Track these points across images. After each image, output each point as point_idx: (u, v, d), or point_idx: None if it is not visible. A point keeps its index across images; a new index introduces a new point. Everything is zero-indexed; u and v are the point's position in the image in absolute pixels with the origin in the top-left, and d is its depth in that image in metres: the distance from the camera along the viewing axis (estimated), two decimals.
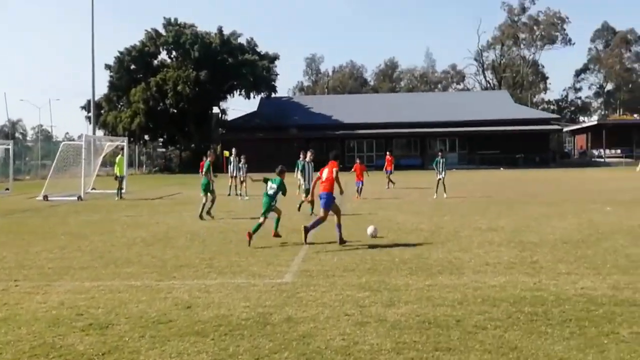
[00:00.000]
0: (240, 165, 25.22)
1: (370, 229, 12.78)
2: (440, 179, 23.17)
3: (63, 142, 30.23)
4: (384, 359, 5.51)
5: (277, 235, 12.78)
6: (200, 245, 12.24)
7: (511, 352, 5.59)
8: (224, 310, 7.27)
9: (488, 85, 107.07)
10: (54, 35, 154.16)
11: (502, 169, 53.35)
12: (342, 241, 11.86)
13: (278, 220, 12.92)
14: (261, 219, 12.50)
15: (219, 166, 54.23)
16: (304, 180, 18.73)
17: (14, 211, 20.81)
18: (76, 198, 25.06)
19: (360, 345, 5.85)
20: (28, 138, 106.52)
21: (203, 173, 18.06)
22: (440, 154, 24.42)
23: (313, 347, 5.86)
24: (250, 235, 11.94)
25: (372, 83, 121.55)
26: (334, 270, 9.45)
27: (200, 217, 16.86)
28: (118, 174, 26.22)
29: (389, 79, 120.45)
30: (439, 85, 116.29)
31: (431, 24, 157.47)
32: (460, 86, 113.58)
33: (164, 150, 76.34)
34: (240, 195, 24.80)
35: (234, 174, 26.15)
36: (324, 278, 8.91)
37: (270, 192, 12.63)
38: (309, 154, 18.64)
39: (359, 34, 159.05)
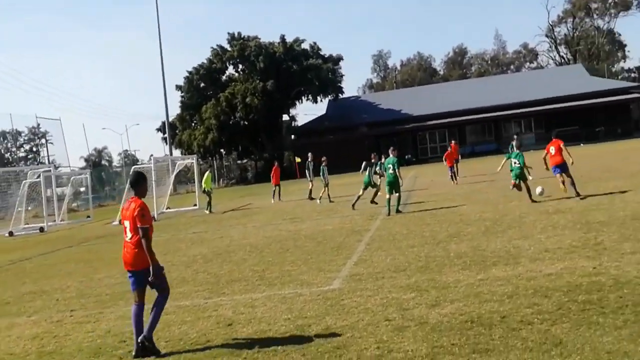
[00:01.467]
0: (322, 167, 24.56)
1: (538, 189, 15.56)
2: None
3: (133, 167, 31.11)
4: None
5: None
6: (257, 257, 12.18)
7: (554, 348, 5.16)
8: (264, 325, 7.12)
9: (562, 60, 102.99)
10: (127, 64, 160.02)
11: (582, 144, 51.03)
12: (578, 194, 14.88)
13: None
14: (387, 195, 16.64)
15: (292, 173, 54.55)
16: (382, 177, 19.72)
17: (89, 238, 21.53)
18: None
19: (395, 353, 5.55)
20: (114, 164, 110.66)
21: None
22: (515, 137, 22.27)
23: (345, 359, 5.61)
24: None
25: (441, 72, 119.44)
26: (384, 272, 9.14)
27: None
28: (206, 189, 27.32)
29: (459, 66, 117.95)
30: (512, 67, 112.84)
31: (498, 4, 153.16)
32: (534, 65, 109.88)
33: (239, 162, 77.57)
34: (317, 198, 24.37)
35: (312, 178, 26.43)
36: (373, 281, 8.63)
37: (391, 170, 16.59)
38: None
39: (424, 25, 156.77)
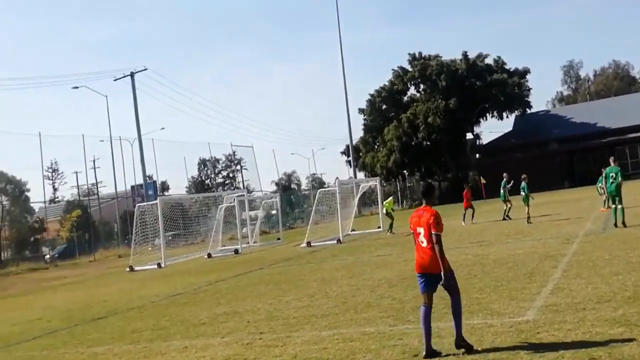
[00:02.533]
0: (522, 186, 23.71)
1: None
2: None
3: (319, 190, 31.99)
4: None
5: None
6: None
7: None
8: (453, 357, 6.71)
9: None
10: (312, 91, 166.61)
11: None
12: None
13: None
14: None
15: (478, 193, 53.07)
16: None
17: (278, 260, 22.29)
18: (335, 241, 26.15)
19: None
20: (303, 187, 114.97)
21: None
22: None
23: None
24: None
25: None
26: (585, 303, 8.30)
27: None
28: (387, 210, 28.65)
29: None
30: None
31: None
32: None
33: (422, 183, 77.04)
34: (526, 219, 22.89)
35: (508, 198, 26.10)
36: (572, 313, 7.85)
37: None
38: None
39: (619, 29, 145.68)
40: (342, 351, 7.67)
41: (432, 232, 6.78)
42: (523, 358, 6.29)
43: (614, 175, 17.19)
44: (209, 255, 29.36)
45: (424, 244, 6.92)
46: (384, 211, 29.28)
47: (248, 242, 33.26)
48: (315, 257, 21.75)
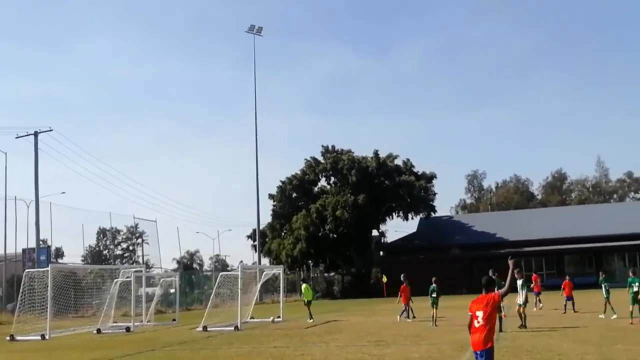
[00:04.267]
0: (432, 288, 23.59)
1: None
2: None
3: (220, 273, 31.36)
4: None
5: None
6: None
7: None
8: None
9: None
10: (223, 171, 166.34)
11: None
12: None
13: None
14: None
15: (379, 291, 53.46)
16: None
17: (172, 343, 21.35)
18: (233, 328, 25.44)
19: None
20: (205, 267, 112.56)
21: None
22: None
23: None
24: None
25: (539, 197, 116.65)
26: None
27: None
28: (305, 300, 29.14)
29: (558, 191, 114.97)
30: (615, 196, 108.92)
31: (600, 130, 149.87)
32: (639, 195, 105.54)
33: (325, 275, 77.16)
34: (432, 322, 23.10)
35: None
36: None
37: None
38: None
39: (522, 147, 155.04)
40: None
41: (496, 299, 8.24)
42: None
43: (637, 285, 20.24)
44: (99, 331, 27.82)
45: (480, 324, 8.13)
46: (303, 300, 29.50)
47: (142, 321, 31.81)
48: (211, 342, 20.99)
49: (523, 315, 20.57)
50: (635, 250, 58.54)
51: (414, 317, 26.14)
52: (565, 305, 27.00)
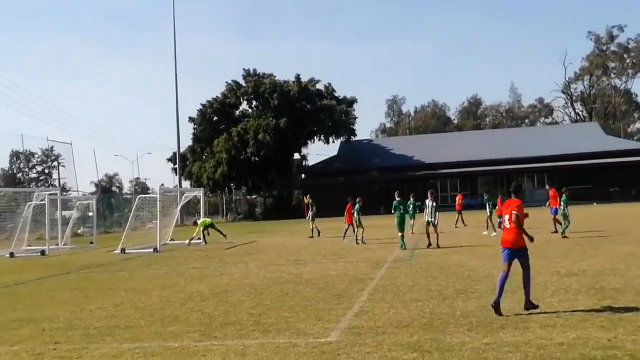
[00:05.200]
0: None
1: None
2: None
3: (139, 196, 30.89)
4: None
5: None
6: (255, 300, 11.74)
7: None
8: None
9: (578, 117, 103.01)
10: (142, 94, 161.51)
11: (595, 204, 50.47)
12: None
13: None
14: None
15: (301, 212, 54.17)
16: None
17: (88, 266, 21.12)
18: (152, 250, 25.34)
19: None
20: (125, 191, 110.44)
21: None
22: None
23: None
24: None
25: (456, 122, 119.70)
26: (386, 327, 8.69)
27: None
28: (202, 227, 29.46)
29: (474, 116, 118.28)
30: (526, 121, 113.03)
31: (515, 58, 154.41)
32: (549, 120, 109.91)
33: (248, 198, 77.38)
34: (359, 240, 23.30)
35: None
36: (373, 336, 8.18)
37: None
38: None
39: (440, 73, 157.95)
40: None
41: (513, 212, 9.16)
42: None
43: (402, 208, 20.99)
44: (12, 255, 27.18)
45: (508, 226, 9.29)
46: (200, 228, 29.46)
47: (58, 244, 31.19)
48: (129, 265, 20.87)
49: (436, 234, 20.46)
50: (543, 172, 61.36)
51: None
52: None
